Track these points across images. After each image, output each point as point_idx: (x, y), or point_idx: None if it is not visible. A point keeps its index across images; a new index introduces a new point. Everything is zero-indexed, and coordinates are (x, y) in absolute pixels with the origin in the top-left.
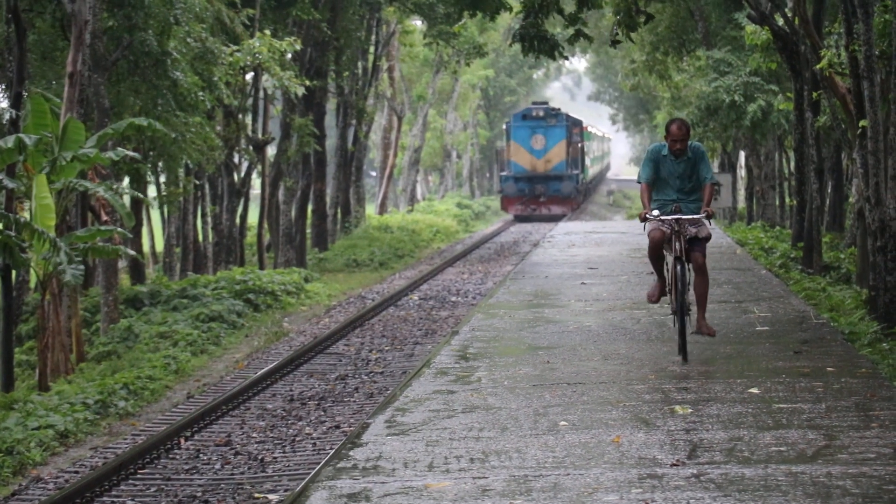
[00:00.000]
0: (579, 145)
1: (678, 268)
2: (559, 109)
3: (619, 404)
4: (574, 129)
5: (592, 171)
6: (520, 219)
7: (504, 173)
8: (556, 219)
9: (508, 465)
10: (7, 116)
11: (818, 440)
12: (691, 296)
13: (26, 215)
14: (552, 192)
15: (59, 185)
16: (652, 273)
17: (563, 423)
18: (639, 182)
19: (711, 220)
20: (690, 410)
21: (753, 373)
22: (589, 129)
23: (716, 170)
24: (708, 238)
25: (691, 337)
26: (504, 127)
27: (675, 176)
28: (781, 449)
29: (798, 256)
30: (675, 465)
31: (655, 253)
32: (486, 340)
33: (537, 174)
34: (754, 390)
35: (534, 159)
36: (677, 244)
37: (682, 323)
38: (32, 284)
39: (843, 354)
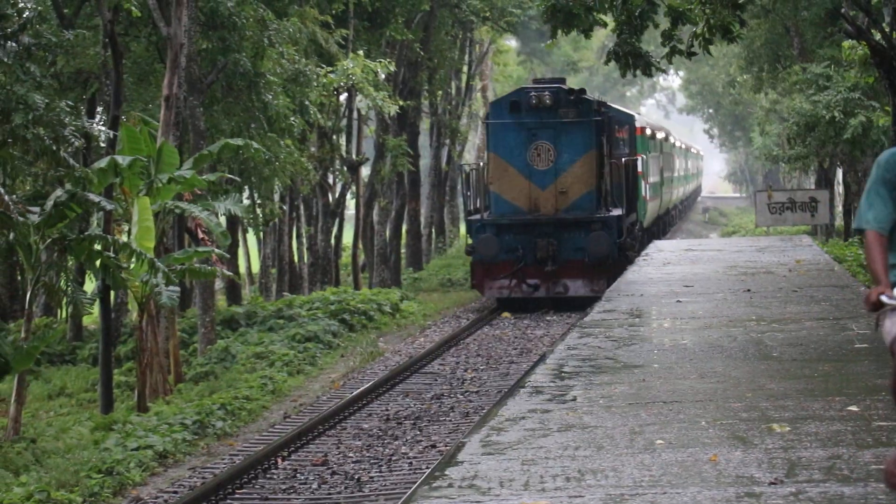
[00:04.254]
0: (625, 161)
1: None
2: (583, 91)
3: (716, 422)
4: (616, 132)
5: (657, 204)
6: (506, 304)
7: (475, 217)
8: (576, 305)
9: (604, 484)
10: (103, 138)
11: None
12: None
13: (123, 237)
14: (569, 254)
15: (156, 207)
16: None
17: (659, 441)
18: (859, 230)
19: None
20: (788, 428)
21: (852, 390)
22: (656, 134)
23: (812, 186)
24: None
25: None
26: (483, 127)
27: None
28: (882, 467)
29: None
30: (773, 483)
31: None
32: (582, 359)
33: (540, 218)
34: (853, 408)
35: (533, 188)
36: None
37: None
38: (131, 306)
39: None
